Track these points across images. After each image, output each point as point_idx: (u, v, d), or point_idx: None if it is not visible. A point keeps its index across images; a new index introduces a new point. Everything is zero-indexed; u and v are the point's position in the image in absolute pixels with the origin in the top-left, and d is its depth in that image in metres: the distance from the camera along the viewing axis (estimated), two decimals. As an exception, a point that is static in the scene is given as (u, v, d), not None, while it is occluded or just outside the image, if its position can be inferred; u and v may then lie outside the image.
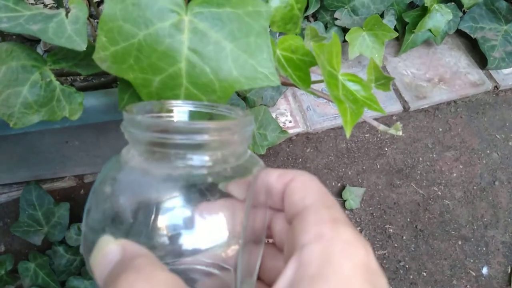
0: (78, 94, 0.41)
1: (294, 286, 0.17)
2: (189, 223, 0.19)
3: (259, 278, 0.24)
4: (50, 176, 0.68)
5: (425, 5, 0.85)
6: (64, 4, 0.60)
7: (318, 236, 0.18)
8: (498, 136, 0.89)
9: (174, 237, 0.18)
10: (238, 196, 0.20)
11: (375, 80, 0.49)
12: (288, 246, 0.20)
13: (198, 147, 0.20)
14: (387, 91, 0.48)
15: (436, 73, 0.93)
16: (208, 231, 0.19)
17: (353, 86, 0.44)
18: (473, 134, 0.89)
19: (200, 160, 0.20)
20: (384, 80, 0.49)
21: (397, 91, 0.90)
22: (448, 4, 0.91)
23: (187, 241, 0.19)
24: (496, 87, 0.94)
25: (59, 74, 0.46)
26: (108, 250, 0.18)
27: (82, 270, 0.63)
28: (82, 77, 0.60)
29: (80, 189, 0.70)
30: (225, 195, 0.20)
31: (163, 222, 0.19)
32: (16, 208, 0.65)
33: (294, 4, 0.44)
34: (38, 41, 0.67)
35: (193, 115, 0.26)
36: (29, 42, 0.64)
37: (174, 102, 0.26)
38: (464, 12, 0.94)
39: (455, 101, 0.92)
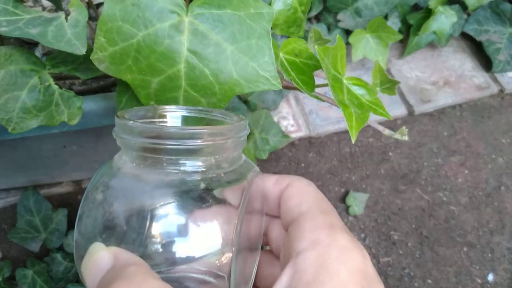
0: (77, 98, 0.41)
1: None
2: (182, 231, 0.18)
3: (255, 285, 0.23)
4: (48, 181, 0.67)
5: (429, 7, 0.84)
6: (63, 7, 0.59)
7: (314, 243, 0.18)
8: (503, 141, 0.88)
9: (167, 245, 0.18)
10: (233, 202, 0.20)
11: (380, 84, 0.48)
12: (284, 253, 0.20)
13: (191, 153, 0.20)
14: (392, 95, 0.47)
15: (441, 76, 0.92)
16: (202, 239, 0.19)
17: (358, 90, 0.43)
18: (479, 139, 0.87)
19: (193, 165, 0.20)
20: (389, 84, 0.48)
21: (401, 95, 0.89)
22: (453, 6, 0.90)
23: (181, 249, 0.18)
24: (501, 90, 0.93)
25: (57, 78, 0.46)
26: (99, 257, 0.17)
27: (80, 277, 0.62)
28: (80, 81, 0.59)
29: (78, 194, 0.69)
30: (219, 201, 0.20)
31: (156, 229, 0.18)
32: (14, 214, 0.64)
33: (298, 7, 0.43)
34: (36, 43, 0.66)
35: (187, 121, 0.26)
36: (27, 44, 0.63)
37: (167, 107, 0.26)
38: (468, 14, 0.93)
39: (460, 105, 0.91)
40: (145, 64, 0.32)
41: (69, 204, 0.68)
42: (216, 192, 0.20)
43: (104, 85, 0.52)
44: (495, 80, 0.93)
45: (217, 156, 0.21)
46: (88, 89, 0.53)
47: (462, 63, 0.94)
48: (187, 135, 0.19)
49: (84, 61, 0.42)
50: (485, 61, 0.94)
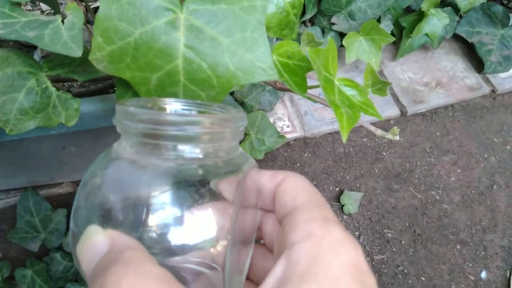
0: (74, 100, 0.41)
1: (283, 284, 0.17)
2: (178, 219, 0.19)
3: (248, 278, 0.24)
4: (47, 182, 0.68)
5: (422, 9, 0.86)
6: (61, 10, 0.60)
7: (308, 235, 0.18)
8: (495, 140, 0.89)
9: (163, 233, 0.18)
10: (228, 194, 0.20)
11: (371, 85, 0.49)
12: (278, 245, 0.20)
13: (189, 140, 0.20)
14: (383, 96, 0.49)
15: (433, 77, 0.93)
16: (197, 227, 0.19)
17: (349, 91, 0.44)
18: (471, 138, 0.89)
19: (191, 152, 0.20)
20: (380, 85, 0.49)
21: (394, 96, 0.90)
22: (445, 8, 0.91)
23: (176, 237, 0.18)
24: (493, 91, 0.94)
25: (56, 80, 0.46)
26: (96, 240, 0.17)
27: (79, 276, 0.62)
28: (79, 83, 0.60)
29: (78, 195, 0.70)
30: (215, 192, 0.20)
31: (152, 217, 0.18)
32: (13, 214, 0.65)
33: (290, 10, 0.44)
34: (35, 46, 0.67)
35: None
36: (26, 48, 0.64)
37: (167, 100, 0.26)
38: (460, 17, 0.94)
39: (452, 105, 0.92)
40: (143, 61, 0.33)
41: (69, 204, 0.69)
42: (212, 184, 0.20)
43: (102, 87, 0.53)
44: (487, 81, 0.94)
45: (215, 145, 0.21)
46: (86, 91, 0.54)
47: (454, 65, 0.96)
48: (186, 122, 0.19)
49: (81, 63, 0.43)
50: (477, 63, 0.95)
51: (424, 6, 0.85)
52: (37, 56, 0.60)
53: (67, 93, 0.41)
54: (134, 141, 0.20)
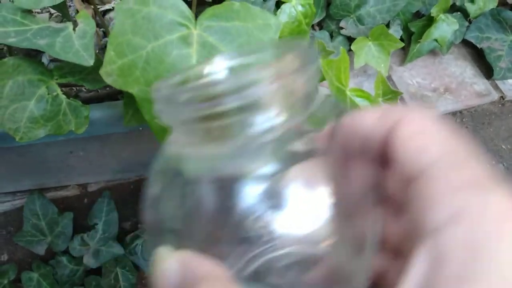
0: (84, 107, 0.41)
1: None
2: (276, 205, 0.15)
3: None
4: (54, 185, 0.68)
5: (431, 15, 0.85)
6: (71, 13, 0.60)
7: (459, 213, 0.12)
8: (504, 147, 0.88)
9: (257, 228, 0.15)
10: (320, 154, 0.16)
11: (382, 95, 0.49)
12: (410, 222, 0.14)
13: (254, 107, 0.15)
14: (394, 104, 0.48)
15: (442, 83, 0.92)
16: (296, 211, 0.15)
17: (361, 102, 0.44)
18: (479, 145, 0.88)
19: (263, 122, 0.15)
20: (391, 94, 0.49)
21: (402, 101, 0.89)
22: (454, 14, 0.90)
23: (279, 226, 0.15)
24: (502, 97, 0.93)
25: (64, 84, 0.46)
26: (166, 267, 0.15)
27: (85, 280, 0.62)
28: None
29: (84, 198, 0.70)
30: (304, 156, 0.16)
31: (237, 214, 0.15)
32: (20, 217, 0.65)
33: (302, 19, 0.44)
34: (43, 49, 0.67)
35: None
36: (34, 51, 0.64)
37: (207, 60, 0.21)
38: (470, 22, 0.94)
39: (460, 111, 0.91)
40: (153, 74, 0.33)
41: (75, 207, 0.69)
42: (299, 146, 0.16)
43: (111, 92, 0.53)
44: (496, 87, 0.94)
45: (287, 101, 0.16)
46: (95, 96, 0.54)
47: (463, 70, 0.95)
48: (246, 84, 0.14)
49: (92, 71, 0.42)
50: (486, 68, 0.95)
51: (433, 11, 0.84)
52: (45, 59, 0.60)
53: (77, 100, 0.41)
54: (187, 129, 0.16)
